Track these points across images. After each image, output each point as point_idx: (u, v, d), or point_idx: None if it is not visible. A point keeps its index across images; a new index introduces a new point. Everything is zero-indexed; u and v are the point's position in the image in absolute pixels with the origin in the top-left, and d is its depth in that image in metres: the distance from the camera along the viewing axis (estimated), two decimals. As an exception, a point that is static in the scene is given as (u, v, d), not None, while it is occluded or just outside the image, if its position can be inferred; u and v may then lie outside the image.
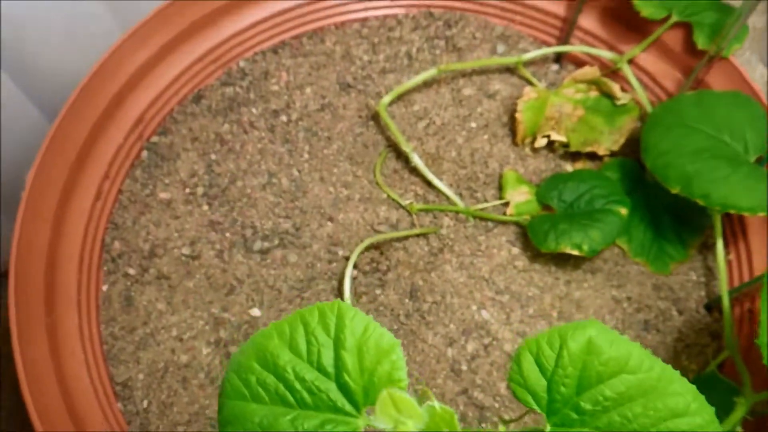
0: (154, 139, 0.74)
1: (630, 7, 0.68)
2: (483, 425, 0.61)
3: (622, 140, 0.69)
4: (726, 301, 0.58)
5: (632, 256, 0.66)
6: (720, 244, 0.61)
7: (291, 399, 0.32)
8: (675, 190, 0.56)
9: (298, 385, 0.32)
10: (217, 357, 0.64)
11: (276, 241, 0.68)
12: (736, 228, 0.66)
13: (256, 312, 0.65)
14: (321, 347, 0.32)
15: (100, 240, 0.69)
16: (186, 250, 0.68)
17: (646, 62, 0.73)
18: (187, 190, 0.71)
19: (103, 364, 0.64)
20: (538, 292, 0.65)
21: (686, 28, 0.68)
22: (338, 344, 0.32)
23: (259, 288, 0.66)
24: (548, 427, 0.33)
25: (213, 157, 0.73)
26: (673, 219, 0.66)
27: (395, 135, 0.70)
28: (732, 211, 0.53)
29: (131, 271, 0.67)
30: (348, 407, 0.32)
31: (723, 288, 0.59)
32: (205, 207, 0.70)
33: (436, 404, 0.26)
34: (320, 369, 0.32)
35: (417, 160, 0.69)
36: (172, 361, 0.64)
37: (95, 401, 0.61)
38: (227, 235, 0.69)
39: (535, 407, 0.33)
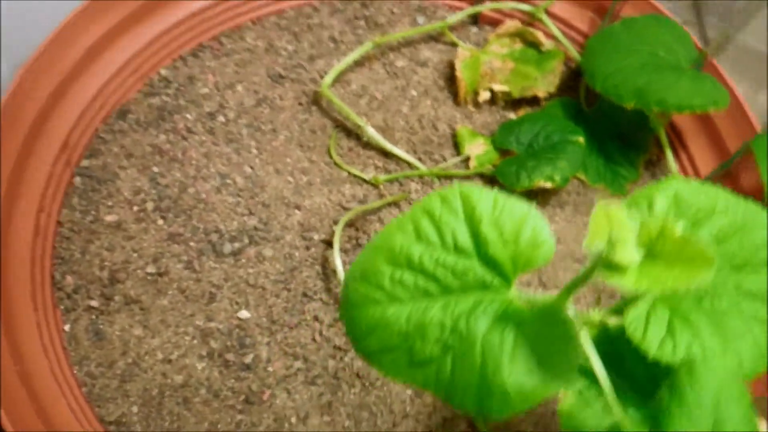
0: (85, 162, 0.68)
1: (536, -40, 0.72)
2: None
3: (556, 81, 0.73)
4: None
5: (591, 183, 0.69)
6: (669, 152, 0.65)
7: (434, 288, 0.31)
8: (630, 105, 0.60)
9: (439, 272, 0.31)
10: (214, 369, 0.59)
11: (246, 240, 0.65)
12: (674, 140, 0.71)
13: (244, 314, 0.62)
14: (454, 230, 0.31)
15: (49, 278, 0.62)
16: (151, 269, 0.63)
17: (558, 10, 0.77)
18: (136, 208, 0.66)
19: (87, 407, 0.57)
20: (518, 234, 0.66)
21: (591, -30, 0.73)
22: (472, 223, 0.31)
23: (241, 290, 0.63)
24: (653, 287, 0.33)
25: (155, 169, 0.68)
26: (618, 144, 0.70)
27: (345, 111, 0.69)
28: (686, 111, 0.57)
29: (94, 303, 0.61)
30: (497, 282, 0.31)
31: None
32: (160, 221, 0.65)
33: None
34: (459, 251, 0.31)
35: (372, 132, 0.68)
36: (166, 384, 0.58)
37: (92, 445, 0.54)
38: (191, 244, 0.64)
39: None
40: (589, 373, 0.35)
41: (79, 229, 0.64)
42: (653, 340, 0.31)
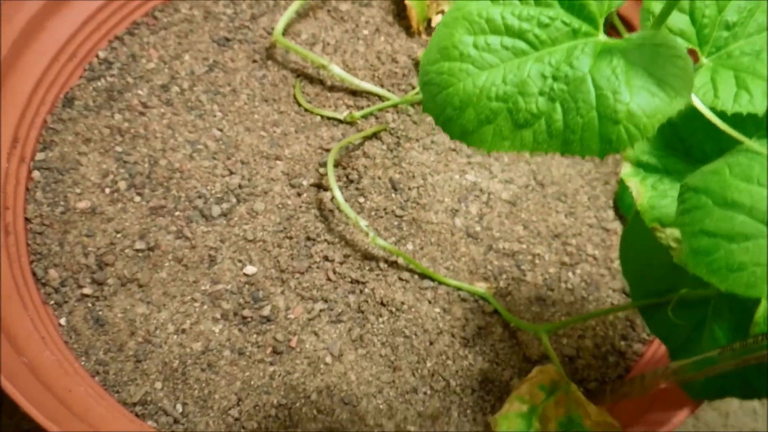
0: (40, 156, 0.63)
1: None
2: (522, 268, 0.60)
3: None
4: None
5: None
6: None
7: (523, 45, 0.30)
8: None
9: (525, 27, 0.30)
10: (233, 328, 0.56)
11: (233, 199, 0.62)
12: (625, 32, 0.74)
13: (250, 269, 0.58)
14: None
15: (31, 275, 0.57)
16: (140, 245, 0.59)
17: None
18: (108, 190, 0.61)
19: (106, 394, 0.52)
20: (502, 141, 0.67)
21: None
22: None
23: (240, 247, 0.59)
24: (704, 60, 0.34)
25: (119, 149, 0.64)
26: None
27: (305, 56, 0.68)
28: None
29: (86, 291, 0.57)
30: (585, 27, 0.30)
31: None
32: (137, 198, 0.61)
33: None
34: (540, 2, 0.30)
35: (337, 70, 0.67)
36: (186, 354, 0.54)
37: (124, 428, 0.50)
38: (177, 214, 0.61)
39: (688, 44, 0.34)
40: (657, 168, 0.35)
41: (51, 222, 0.59)
42: (727, 97, 0.31)
